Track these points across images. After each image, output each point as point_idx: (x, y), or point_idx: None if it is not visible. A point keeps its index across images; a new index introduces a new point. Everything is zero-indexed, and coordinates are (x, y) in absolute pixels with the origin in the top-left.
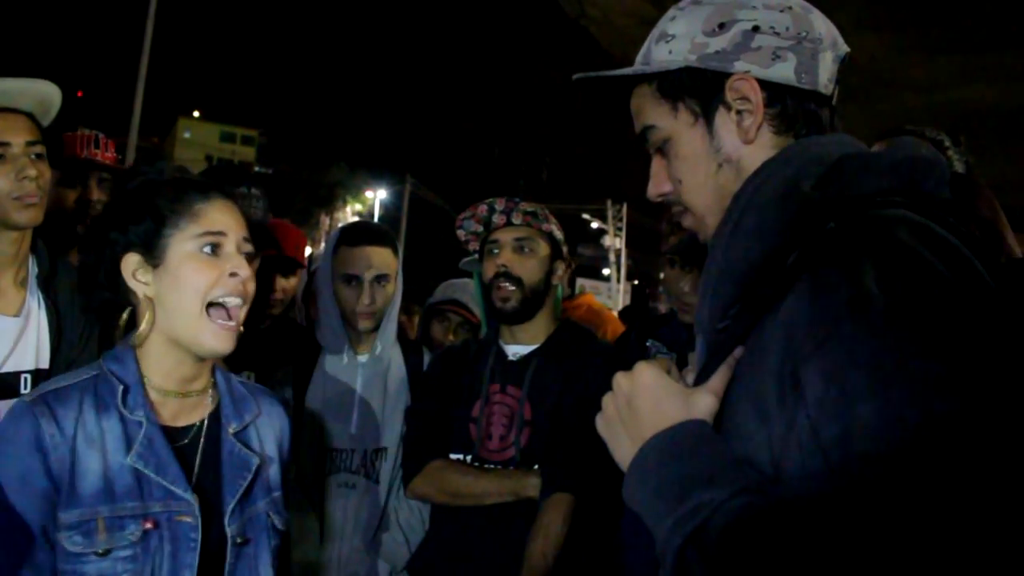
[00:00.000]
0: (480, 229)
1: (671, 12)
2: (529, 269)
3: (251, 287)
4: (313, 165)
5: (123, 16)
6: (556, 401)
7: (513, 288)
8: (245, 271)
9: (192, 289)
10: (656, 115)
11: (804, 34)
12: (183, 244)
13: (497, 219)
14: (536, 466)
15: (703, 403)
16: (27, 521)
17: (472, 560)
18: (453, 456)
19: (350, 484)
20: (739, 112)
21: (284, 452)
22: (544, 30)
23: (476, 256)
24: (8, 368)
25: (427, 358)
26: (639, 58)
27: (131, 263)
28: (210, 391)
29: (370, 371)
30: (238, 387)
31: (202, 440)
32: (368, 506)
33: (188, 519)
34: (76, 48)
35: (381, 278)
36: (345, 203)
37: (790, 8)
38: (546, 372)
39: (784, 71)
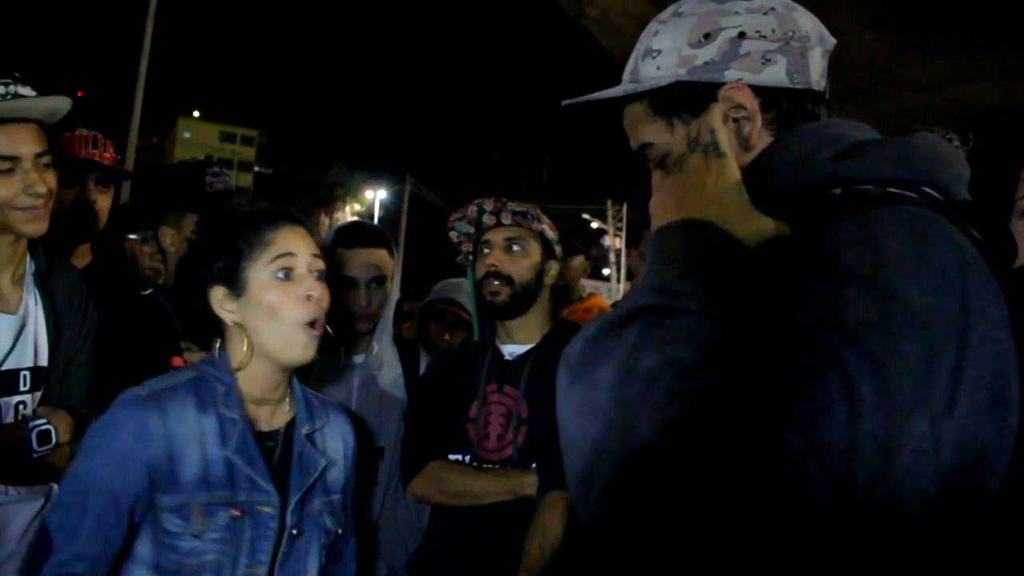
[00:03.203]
0: (472, 230)
1: (652, 26)
2: (519, 268)
3: (325, 303)
4: (313, 165)
5: (123, 16)
6: (553, 399)
7: (503, 284)
8: (317, 291)
9: (276, 315)
10: (652, 132)
11: (791, 34)
12: (259, 272)
13: (487, 219)
14: (533, 464)
15: (765, 224)
16: (118, 499)
17: (471, 559)
18: (452, 456)
19: None
20: (736, 120)
21: (348, 460)
22: (544, 30)
23: (467, 254)
24: (8, 366)
25: (423, 358)
26: (626, 75)
27: (218, 295)
28: (288, 399)
29: (366, 372)
30: (312, 397)
31: (280, 442)
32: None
33: (268, 509)
34: (76, 48)
35: (377, 280)
36: (344, 203)
37: (773, 9)
38: (542, 370)
39: (776, 74)
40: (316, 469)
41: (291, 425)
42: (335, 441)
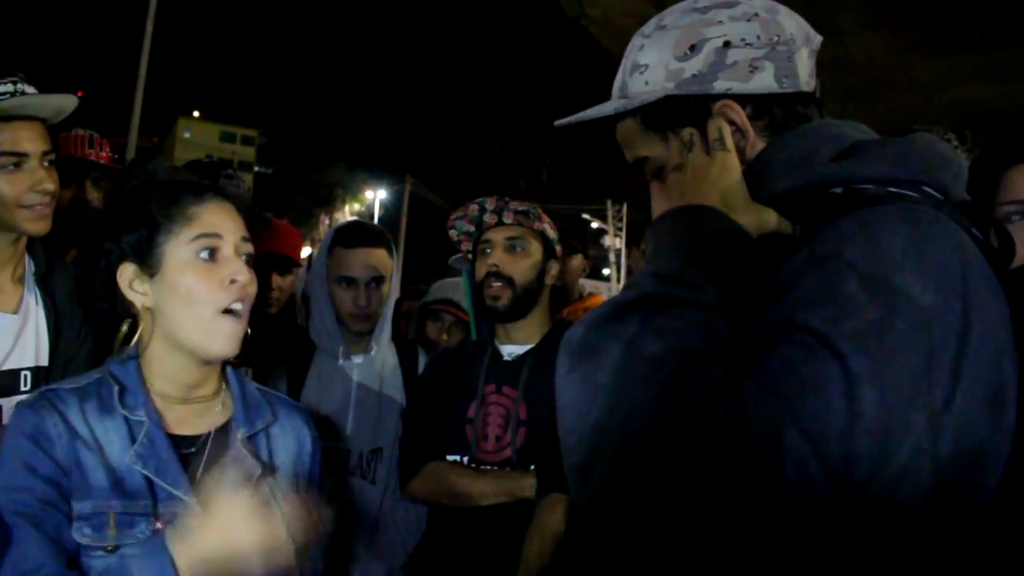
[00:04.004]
0: (472, 229)
1: (637, 40)
2: (521, 269)
3: (252, 289)
4: (313, 165)
5: (123, 16)
6: (551, 401)
7: (504, 287)
8: (244, 276)
9: (193, 300)
10: (647, 147)
11: (776, 38)
12: (178, 250)
13: (488, 218)
14: (532, 466)
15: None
16: (30, 509)
17: (469, 561)
18: (450, 457)
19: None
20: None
21: (302, 465)
22: (544, 30)
23: (466, 254)
24: (8, 366)
25: (422, 358)
26: (616, 90)
27: (127, 274)
28: (221, 397)
29: (365, 371)
30: (253, 393)
31: (208, 447)
32: (364, 507)
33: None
34: (76, 48)
35: (376, 279)
36: (344, 203)
37: (756, 15)
38: (541, 372)
39: (764, 80)
40: (250, 479)
41: (225, 427)
42: (287, 441)
